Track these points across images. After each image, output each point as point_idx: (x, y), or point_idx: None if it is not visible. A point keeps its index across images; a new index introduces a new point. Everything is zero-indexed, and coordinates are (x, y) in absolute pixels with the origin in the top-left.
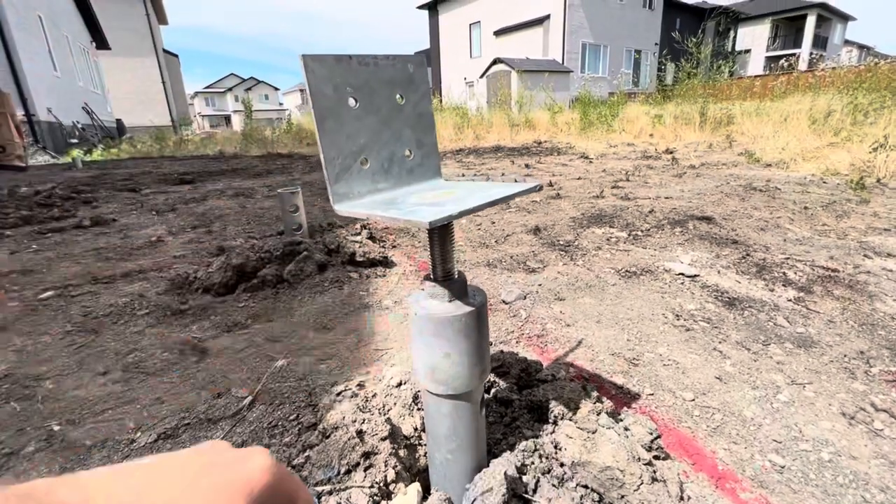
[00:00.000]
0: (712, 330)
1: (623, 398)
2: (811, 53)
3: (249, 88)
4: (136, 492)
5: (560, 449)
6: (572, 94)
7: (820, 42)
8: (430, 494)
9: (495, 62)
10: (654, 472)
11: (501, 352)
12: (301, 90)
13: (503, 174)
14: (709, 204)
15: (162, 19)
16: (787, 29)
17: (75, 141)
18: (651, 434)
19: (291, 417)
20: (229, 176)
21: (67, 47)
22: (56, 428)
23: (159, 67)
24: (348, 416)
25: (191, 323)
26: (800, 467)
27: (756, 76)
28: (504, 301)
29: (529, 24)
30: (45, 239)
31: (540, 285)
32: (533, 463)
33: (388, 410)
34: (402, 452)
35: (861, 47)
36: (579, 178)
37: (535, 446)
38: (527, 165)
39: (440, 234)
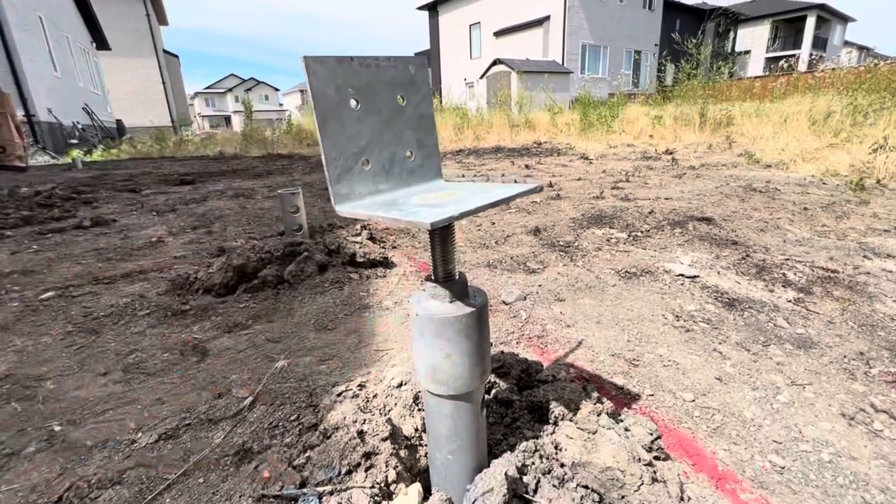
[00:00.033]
0: (712, 331)
1: (623, 399)
2: (811, 54)
3: (249, 89)
4: None
5: (560, 449)
6: (572, 94)
7: (820, 43)
8: (430, 495)
9: (495, 63)
10: (655, 472)
11: (502, 352)
12: (301, 91)
13: (503, 175)
14: (709, 205)
15: (162, 20)
16: (787, 30)
17: (75, 141)
18: (651, 435)
19: (292, 418)
20: (229, 176)
21: (68, 48)
22: (57, 428)
23: (159, 68)
24: (349, 417)
25: (191, 323)
26: (800, 468)
27: (756, 77)
28: (504, 302)
29: (529, 25)
30: (45, 239)
31: (540, 286)
32: (533, 463)
33: (389, 411)
34: (402, 453)
35: (861, 48)
36: (579, 179)
37: (536, 447)
38: (527, 166)
39: (441, 235)
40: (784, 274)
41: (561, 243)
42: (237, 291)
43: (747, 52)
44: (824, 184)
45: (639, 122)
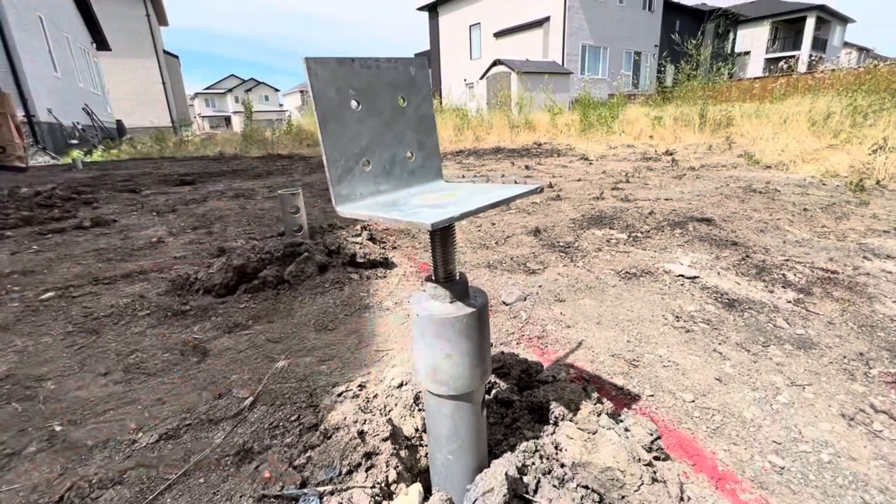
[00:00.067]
0: (712, 331)
1: (623, 399)
2: (810, 55)
3: (249, 89)
4: None
5: (561, 450)
6: (572, 95)
7: (819, 44)
8: (431, 495)
9: (495, 64)
10: (655, 472)
11: (502, 353)
12: (301, 91)
13: (503, 176)
14: (708, 205)
15: (162, 20)
16: (787, 31)
17: (75, 142)
18: (651, 435)
19: (293, 418)
20: (229, 177)
21: (68, 48)
22: (58, 428)
23: (159, 68)
24: (350, 417)
25: (192, 324)
26: (799, 468)
27: (755, 78)
28: (504, 302)
29: (529, 26)
30: (45, 240)
31: (540, 287)
32: (534, 463)
33: (390, 411)
34: (403, 453)
35: (860, 49)
36: (579, 180)
37: (536, 447)
38: (527, 167)
39: (442, 235)
40: (784, 275)
41: (561, 244)
42: (237, 292)
43: (747, 53)
44: (824, 185)
45: (639, 122)
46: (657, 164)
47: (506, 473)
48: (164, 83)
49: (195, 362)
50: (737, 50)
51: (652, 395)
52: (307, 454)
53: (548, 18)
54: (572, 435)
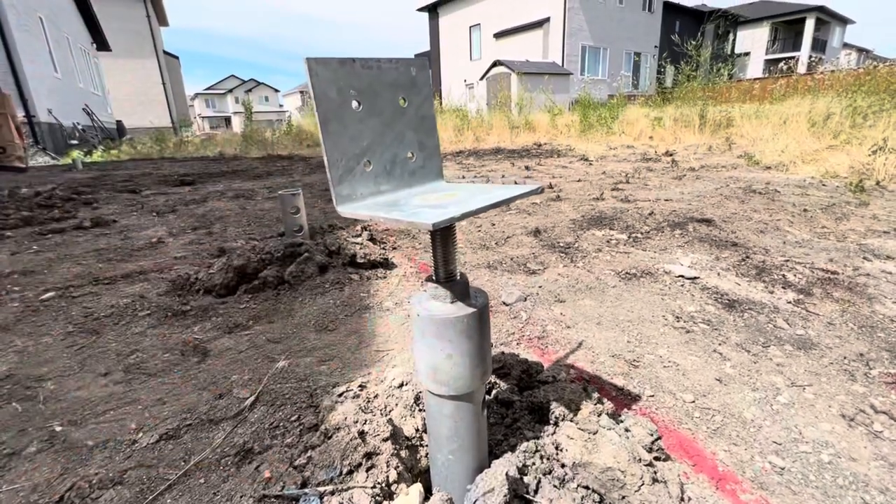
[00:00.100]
0: (712, 332)
1: (623, 400)
2: (810, 56)
3: (250, 90)
4: None
5: (561, 450)
6: (572, 96)
7: (819, 45)
8: (431, 495)
9: (495, 64)
10: (655, 473)
11: (502, 353)
12: (301, 92)
13: (503, 176)
14: (708, 206)
15: (162, 21)
16: (787, 32)
17: (75, 142)
18: (651, 435)
19: (293, 418)
20: (229, 177)
21: (68, 48)
22: (58, 428)
23: (160, 69)
24: (350, 417)
25: (192, 324)
26: (800, 469)
27: (755, 79)
28: (504, 303)
29: (529, 27)
30: (45, 240)
31: (540, 287)
32: (534, 464)
33: (390, 411)
34: (403, 453)
35: (860, 50)
36: (579, 181)
37: (537, 447)
38: (527, 167)
39: (442, 235)
40: (784, 275)
41: (561, 244)
42: (238, 292)
43: (747, 54)
44: (824, 185)
45: (638, 123)
46: (657, 165)
47: (506, 473)
48: (164, 84)
49: (195, 362)
50: (736, 51)
51: (652, 396)
52: (308, 454)
53: (548, 19)
54: (573, 435)
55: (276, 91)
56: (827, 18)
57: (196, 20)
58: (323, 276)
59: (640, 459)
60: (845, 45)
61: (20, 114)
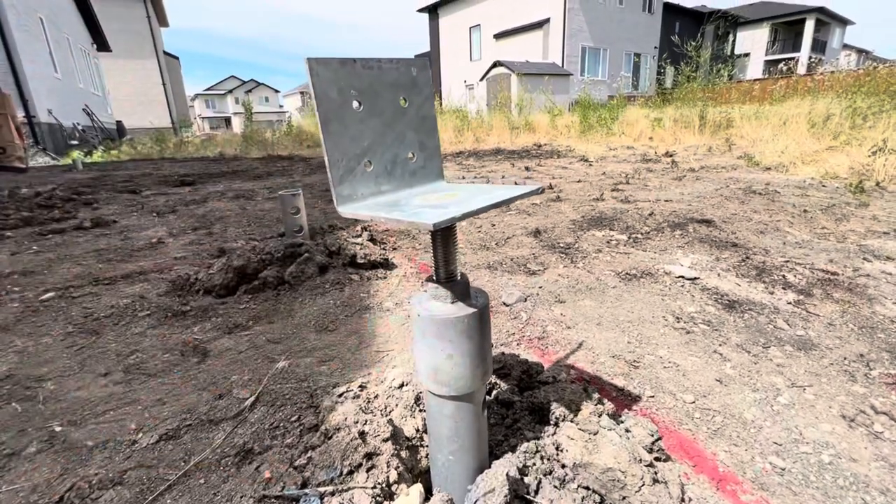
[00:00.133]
0: (712, 332)
1: (624, 400)
2: (810, 57)
3: (250, 91)
4: None
5: (561, 450)
6: (572, 97)
7: (819, 46)
8: (431, 495)
9: (495, 65)
10: (656, 473)
11: (503, 354)
12: (301, 92)
13: (503, 177)
14: (708, 207)
15: (163, 21)
16: (786, 33)
17: (76, 142)
18: (652, 436)
19: (293, 419)
20: (230, 178)
21: (68, 49)
22: (58, 429)
23: (160, 69)
24: (350, 418)
25: (192, 324)
26: (800, 469)
27: (755, 80)
28: (505, 303)
29: (529, 28)
30: (45, 240)
31: (540, 288)
32: (534, 464)
33: (391, 412)
34: (404, 453)
35: (860, 51)
36: (579, 181)
37: (537, 448)
38: (527, 168)
39: (443, 235)
40: (784, 276)
41: (561, 245)
42: (238, 292)
43: (746, 55)
44: (824, 186)
45: (638, 124)
46: (657, 166)
47: (507, 474)
48: (164, 84)
49: (195, 363)
50: (736, 52)
51: (652, 396)
52: (308, 454)
53: (548, 20)
54: (573, 436)
55: (277, 92)
56: (827, 19)
57: (196, 21)
58: (323, 276)
59: (640, 460)
60: (845, 46)
61: (20, 114)
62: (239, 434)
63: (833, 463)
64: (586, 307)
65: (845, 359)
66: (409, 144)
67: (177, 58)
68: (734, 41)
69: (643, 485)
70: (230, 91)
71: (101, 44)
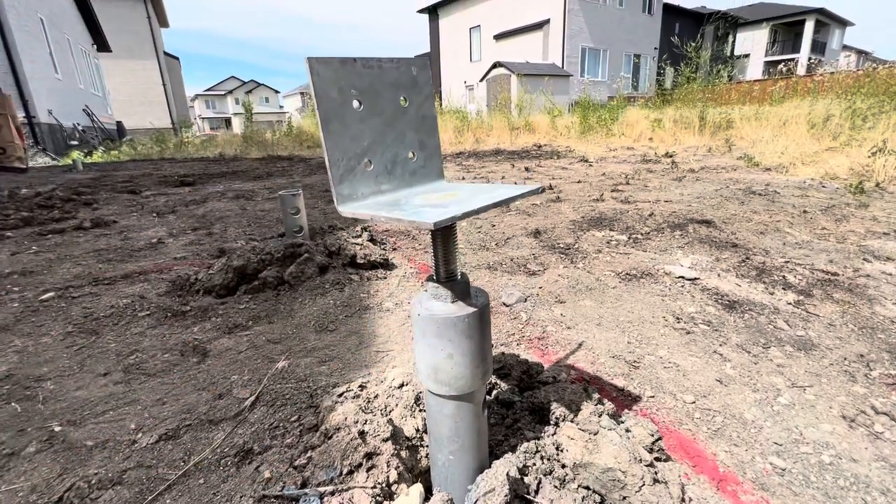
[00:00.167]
0: (712, 333)
1: (624, 400)
2: (810, 58)
3: (250, 91)
4: None
5: (562, 450)
6: (572, 97)
7: (818, 47)
8: (432, 495)
9: (495, 66)
10: (656, 473)
11: (503, 354)
12: (301, 93)
13: (503, 178)
14: (708, 207)
15: (163, 22)
16: (786, 34)
17: (76, 143)
18: (652, 436)
19: (293, 419)
20: (230, 178)
21: (68, 49)
22: (57, 428)
23: (160, 70)
24: (350, 418)
25: (192, 324)
26: (801, 470)
27: (755, 81)
28: (505, 303)
29: (529, 29)
30: (45, 240)
31: (540, 288)
32: (535, 464)
33: (391, 411)
34: (404, 453)
35: (859, 52)
36: (579, 182)
37: (537, 448)
38: (527, 169)
39: (443, 235)
40: (784, 276)
41: (561, 245)
42: (237, 292)
43: (746, 56)
44: (824, 187)
45: (638, 125)
46: (657, 167)
47: (507, 474)
48: (164, 85)
49: (195, 363)
50: (736, 53)
51: (653, 397)
52: (308, 454)
53: (548, 21)
54: (573, 436)
55: (277, 92)
56: (826, 20)
57: (196, 21)
58: (323, 276)
59: (640, 460)
60: (845, 47)
61: (20, 114)
62: (239, 434)
63: (833, 463)
64: (586, 307)
65: (845, 359)
66: (410, 144)
67: (177, 58)
68: (734, 42)
69: (643, 485)
70: (230, 92)
71: (102, 44)
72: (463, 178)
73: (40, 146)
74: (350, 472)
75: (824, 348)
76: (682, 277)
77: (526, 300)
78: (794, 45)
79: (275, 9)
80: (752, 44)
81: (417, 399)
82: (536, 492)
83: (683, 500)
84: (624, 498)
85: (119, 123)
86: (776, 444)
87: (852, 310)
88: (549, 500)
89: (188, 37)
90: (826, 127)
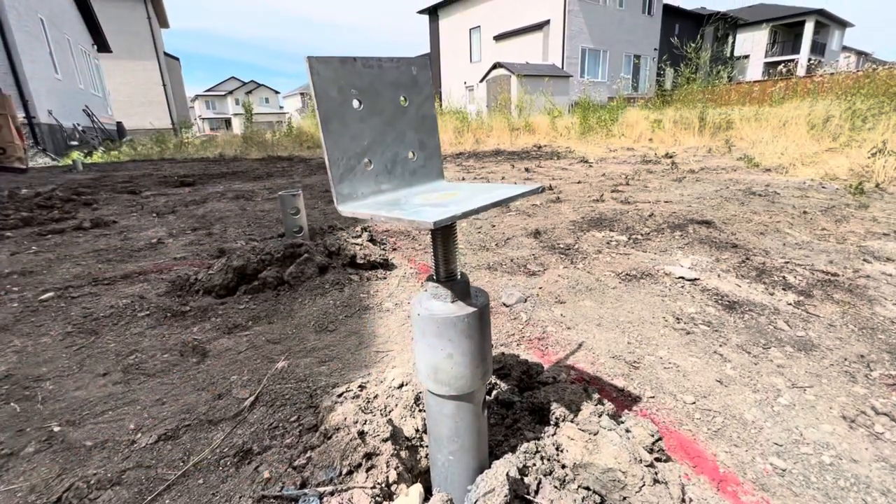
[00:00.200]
0: (713, 333)
1: (624, 401)
2: (809, 59)
3: (250, 92)
4: None
5: (562, 451)
6: (572, 98)
7: (818, 48)
8: (431, 495)
9: (495, 66)
10: (656, 473)
11: (503, 354)
12: (301, 93)
13: (503, 178)
14: (708, 208)
15: (163, 22)
16: (786, 35)
17: (76, 143)
18: (652, 436)
19: (293, 419)
20: (229, 178)
21: (69, 50)
22: (56, 429)
23: (160, 70)
24: (350, 418)
25: (191, 325)
26: (801, 470)
27: (755, 81)
28: (505, 304)
29: (529, 29)
30: (45, 240)
31: (540, 288)
32: (535, 464)
33: (390, 412)
34: (403, 453)
35: (859, 53)
36: (579, 182)
37: (537, 448)
38: (527, 169)
39: (443, 234)
40: (784, 277)
41: (561, 246)
42: (237, 293)
43: (746, 57)
44: (823, 188)
45: (638, 125)
46: (657, 167)
47: (507, 474)
48: (164, 85)
49: (195, 363)
50: (736, 53)
51: (653, 397)
52: (307, 454)
53: (548, 22)
54: (573, 436)
55: (277, 93)
56: (826, 21)
57: (196, 22)
58: (323, 276)
59: (640, 460)
60: (844, 48)
61: (20, 115)
62: (238, 434)
63: (834, 464)
64: (586, 308)
65: (846, 360)
66: (410, 143)
67: (177, 59)
68: (734, 43)
69: (643, 485)
70: (230, 92)
71: (102, 45)
72: (463, 179)
73: (40, 146)
74: (349, 473)
75: (824, 349)
76: (682, 278)
77: (526, 300)
78: (793, 46)
79: (275, 9)
80: (752, 45)
81: (417, 399)
82: (536, 492)
83: (684, 500)
84: (624, 498)
85: (119, 124)
86: (776, 444)
87: (852, 310)
88: (549, 500)
89: (188, 37)
90: (826, 128)
